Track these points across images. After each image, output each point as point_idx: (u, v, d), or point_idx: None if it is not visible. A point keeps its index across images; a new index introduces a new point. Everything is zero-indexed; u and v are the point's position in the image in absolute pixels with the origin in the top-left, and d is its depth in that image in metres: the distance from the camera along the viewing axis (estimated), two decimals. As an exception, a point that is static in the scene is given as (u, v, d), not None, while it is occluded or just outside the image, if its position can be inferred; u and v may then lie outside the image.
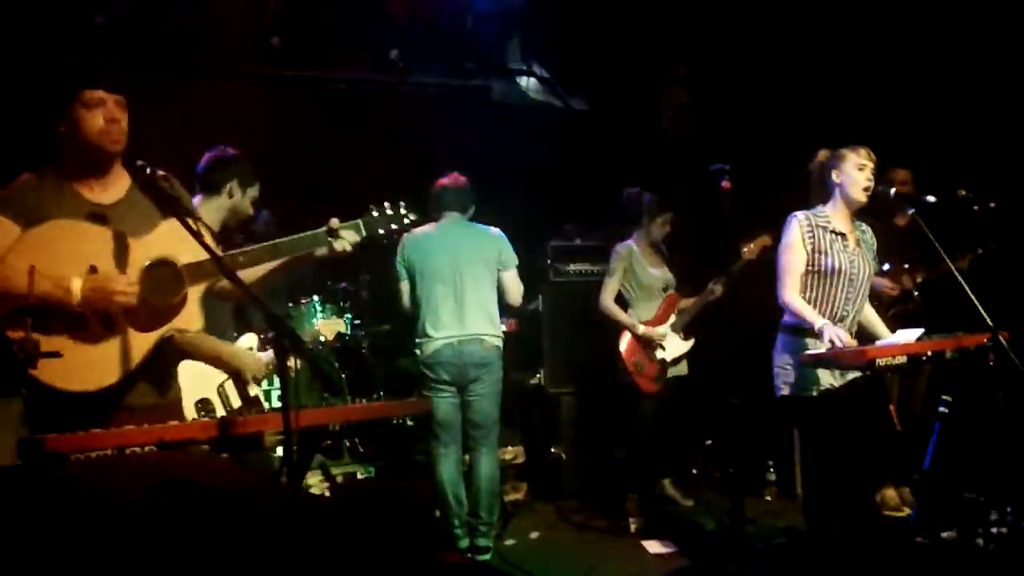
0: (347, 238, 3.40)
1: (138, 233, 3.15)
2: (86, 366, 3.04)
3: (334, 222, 3.39)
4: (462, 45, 8.36)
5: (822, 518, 4.59)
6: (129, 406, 3.15)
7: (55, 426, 2.86)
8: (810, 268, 4.59)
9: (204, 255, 3.06)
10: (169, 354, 3.29)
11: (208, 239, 3.05)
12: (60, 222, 3.09)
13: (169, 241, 3.14)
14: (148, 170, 3.07)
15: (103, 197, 3.22)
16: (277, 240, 3.33)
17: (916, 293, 5.93)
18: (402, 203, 3.62)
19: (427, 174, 5.79)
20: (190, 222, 2.97)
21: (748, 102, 7.68)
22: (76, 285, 2.97)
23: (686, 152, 8.58)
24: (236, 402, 4.14)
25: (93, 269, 3.05)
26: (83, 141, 3.12)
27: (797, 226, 4.62)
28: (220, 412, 3.93)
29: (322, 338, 5.43)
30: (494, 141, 8.29)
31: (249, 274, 3.33)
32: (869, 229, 4.85)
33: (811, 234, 4.58)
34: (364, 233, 3.48)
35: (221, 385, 4.11)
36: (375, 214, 3.54)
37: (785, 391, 4.59)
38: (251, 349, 4.40)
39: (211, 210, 4.23)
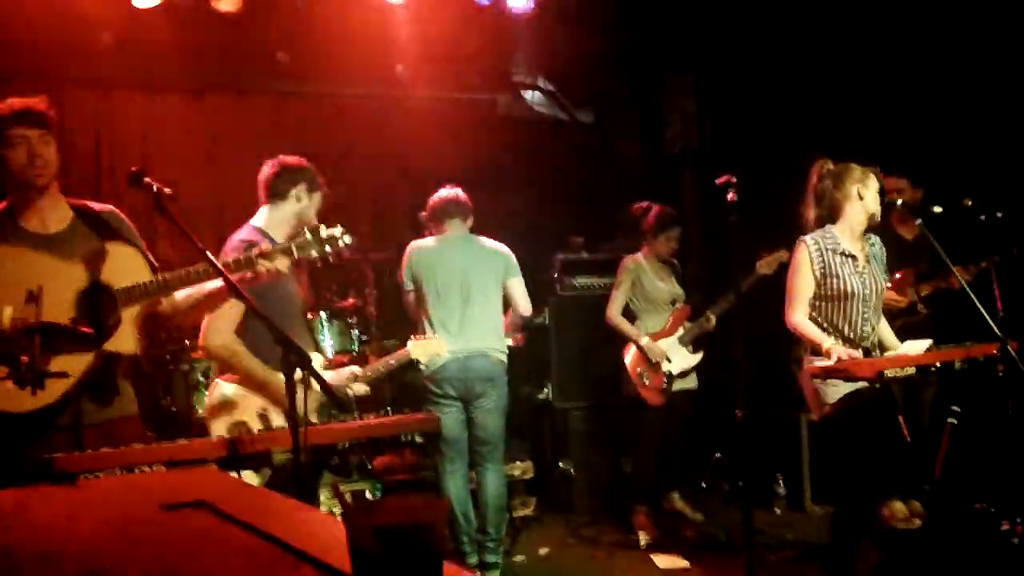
0: (277, 261, 3.45)
1: (77, 259, 3.25)
2: (19, 389, 3.09)
3: (265, 245, 3.49)
4: (467, 59, 8.37)
5: (851, 531, 4.57)
6: (75, 425, 3.23)
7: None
8: (822, 293, 4.58)
9: (140, 279, 3.23)
10: (112, 372, 3.36)
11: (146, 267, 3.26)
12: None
13: (104, 266, 3.25)
14: (154, 186, 3.14)
15: (45, 227, 3.35)
16: (209, 265, 3.33)
17: (920, 304, 5.91)
18: (340, 226, 3.66)
19: (433, 188, 5.79)
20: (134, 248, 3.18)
21: (756, 112, 7.67)
22: (6, 314, 3.06)
23: (694, 163, 8.58)
24: (282, 423, 4.03)
25: (31, 295, 3.12)
26: (12, 177, 3.28)
27: (806, 251, 4.61)
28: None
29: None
30: (500, 155, 8.30)
31: (192, 300, 3.51)
32: (878, 240, 4.83)
33: (820, 259, 4.57)
34: (296, 255, 3.52)
35: (263, 408, 4.02)
36: (308, 237, 3.58)
37: (821, 412, 4.56)
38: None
39: (278, 218, 4.24)
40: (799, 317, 4.57)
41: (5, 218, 3.31)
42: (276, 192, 4.27)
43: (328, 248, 3.58)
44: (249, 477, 3.48)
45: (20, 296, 3.11)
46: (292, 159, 4.36)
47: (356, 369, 4.46)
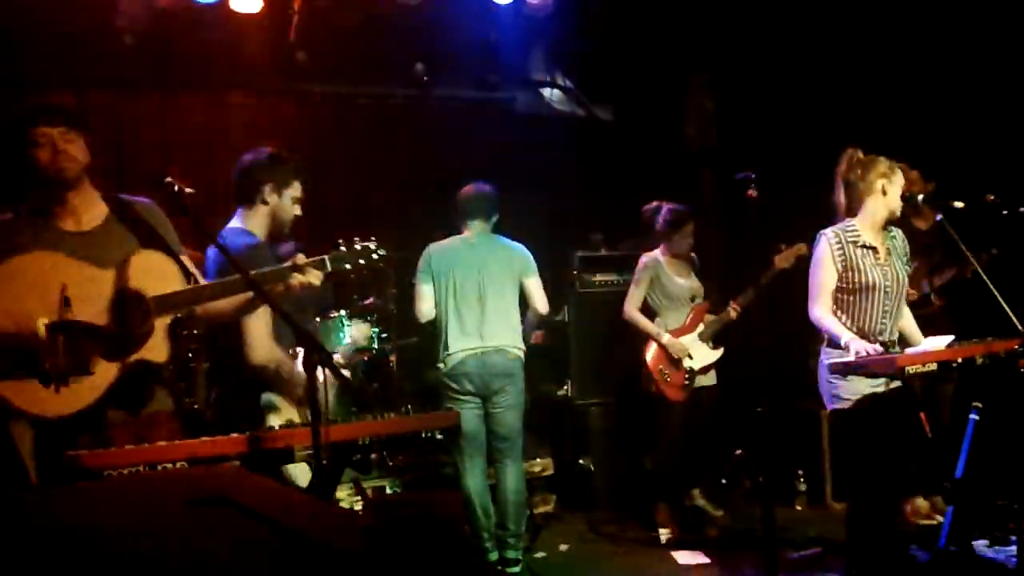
0: (309, 275, 3.42)
1: (110, 263, 3.24)
2: (55, 394, 3.10)
3: (300, 258, 3.42)
4: (485, 57, 8.37)
5: (867, 528, 4.56)
6: (111, 424, 3.25)
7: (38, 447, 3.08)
8: (844, 286, 4.58)
9: (174, 287, 3.19)
10: (144, 382, 3.35)
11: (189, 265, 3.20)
12: (30, 255, 3.19)
13: (139, 273, 3.22)
14: (176, 186, 3.15)
15: (79, 225, 3.33)
16: (237, 276, 3.33)
17: (934, 296, 5.89)
18: (372, 239, 3.62)
19: (453, 187, 5.81)
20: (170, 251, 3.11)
21: (774, 109, 7.66)
22: (41, 326, 3.05)
23: (712, 160, 8.56)
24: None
25: (66, 301, 3.11)
26: (41, 175, 3.26)
27: (827, 244, 4.61)
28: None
29: (357, 345, 5.37)
30: (519, 153, 8.30)
31: (220, 306, 3.45)
32: (900, 233, 4.82)
33: (841, 251, 4.57)
34: (329, 269, 3.49)
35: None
36: (342, 250, 3.55)
37: (839, 404, 4.55)
38: None
39: (255, 220, 4.11)
40: (822, 311, 4.56)
41: (37, 219, 3.29)
42: (242, 197, 4.14)
43: (362, 261, 3.56)
44: (303, 471, 3.52)
45: (54, 302, 3.10)
46: (254, 156, 4.18)
47: (337, 357, 4.46)
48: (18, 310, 3.07)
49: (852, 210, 4.68)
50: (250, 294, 3.39)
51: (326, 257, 3.51)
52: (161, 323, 3.25)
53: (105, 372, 3.17)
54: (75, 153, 3.27)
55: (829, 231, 4.64)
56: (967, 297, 5.68)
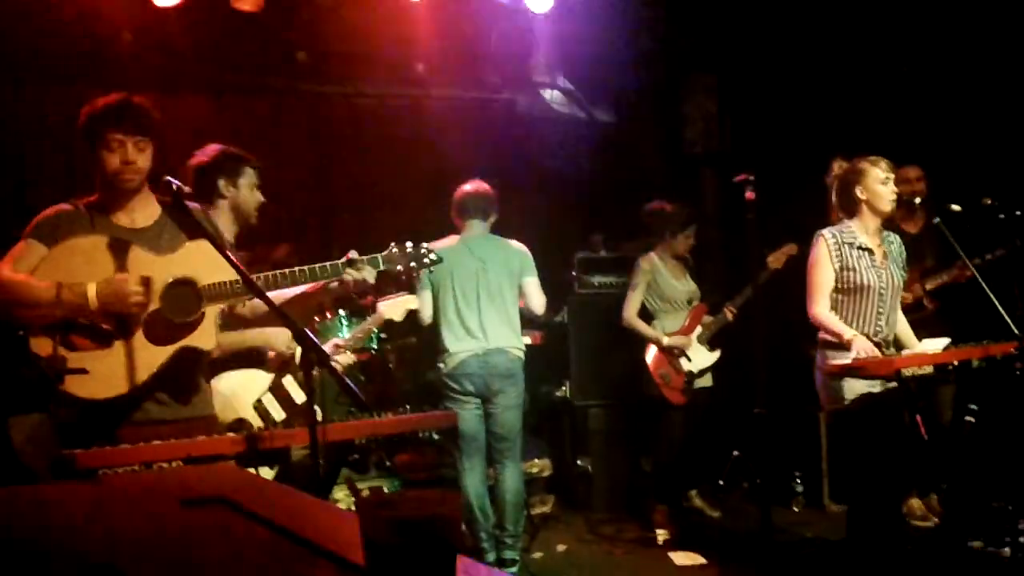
0: (364, 272, 3.44)
1: (163, 253, 3.27)
2: (103, 376, 3.14)
3: (353, 254, 3.45)
4: (487, 58, 8.38)
5: (865, 529, 4.57)
6: (153, 419, 3.26)
7: (80, 435, 3.03)
8: (840, 286, 4.60)
9: (224, 277, 3.19)
10: (191, 369, 3.36)
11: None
12: (86, 239, 3.23)
13: (191, 261, 3.25)
14: (175, 186, 3.15)
15: (133, 223, 3.35)
16: (296, 268, 3.37)
17: (926, 299, 5.89)
18: (424, 244, 3.66)
19: (452, 187, 5.82)
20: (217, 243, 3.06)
21: (776, 112, 7.67)
22: (92, 290, 3.09)
23: (714, 162, 8.57)
24: (280, 415, 4.14)
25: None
26: (104, 176, 3.28)
27: (824, 244, 4.62)
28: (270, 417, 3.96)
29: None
30: (520, 154, 8.31)
31: (261, 307, 3.42)
32: (897, 238, 4.84)
33: (838, 252, 4.59)
34: (382, 267, 3.51)
35: (258, 401, 4.12)
36: (395, 251, 3.57)
37: (835, 406, 4.56)
38: (294, 355, 4.40)
39: (219, 221, 4.05)
40: (821, 309, 4.58)
41: (95, 211, 3.33)
42: (201, 197, 4.05)
43: (413, 264, 3.59)
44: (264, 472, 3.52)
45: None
46: (201, 155, 4.20)
47: (338, 340, 4.50)
48: (74, 284, 3.11)
49: (849, 213, 4.69)
50: (294, 294, 3.44)
51: (379, 256, 3.54)
52: (211, 311, 3.28)
53: (154, 355, 3.20)
54: (143, 164, 3.28)
55: (826, 231, 4.66)
56: (961, 300, 5.69)
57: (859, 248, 4.59)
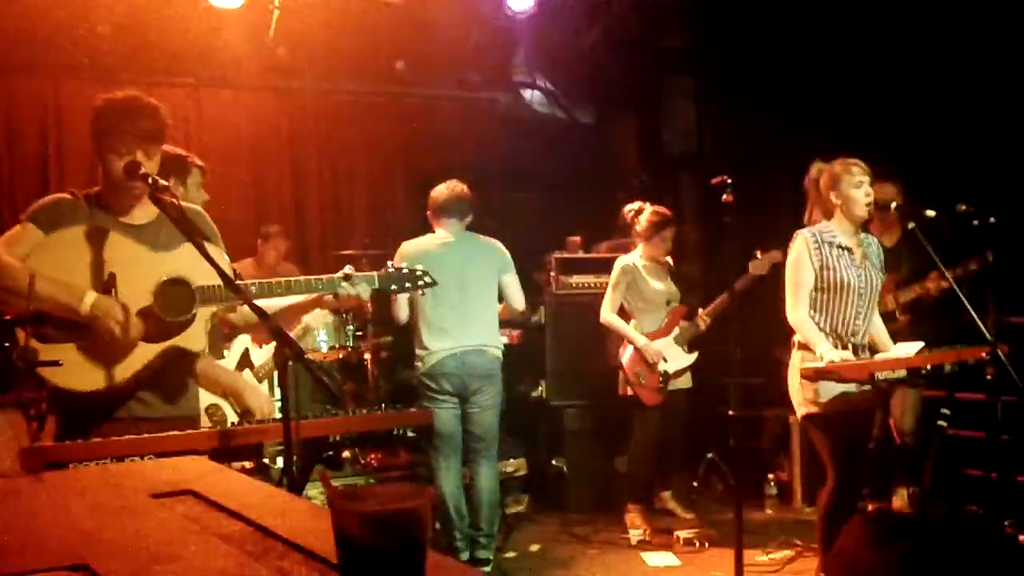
0: (359, 288, 3.44)
1: (161, 249, 3.26)
2: (88, 368, 3.12)
3: (349, 269, 3.45)
4: (467, 58, 8.39)
5: (833, 531, 4.59)
6: (136, 417, 3.24)
7: (61, 428, 3.06)
8: (819, 285, 4.60)
9: (215, 279, 3.15)
10: (178, 368, 3.34)
11: (224, 265, 3.15)
12: (81, 230, 3.20)
13: (188, 262, 3.21)
14: (151, 179, 3.12)
15: (132, 219, 3.34)
16: (291, 278, 3.37)
17: (899, 311, 5.91)
18: (420, 267, 3.72)
19: (432, 186, 5.80)
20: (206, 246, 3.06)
21: (754, 115, 7.70)
22: (89, 299, 3.07)
23: (692, 165, 8.60)
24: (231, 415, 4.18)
25: (111, 277, 3.13)
26: (108, 177, 3.24)
27: (804, 243, 4.62)
28: (231, 416, 3.94)
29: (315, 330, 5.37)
30: (499, 154, 8.32)
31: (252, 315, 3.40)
32: (875, 240, 4.86)
33: (818, 251, 4.59)
34: (377, 286, 3.53)
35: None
36: (391, 271, 3.61)
37: (808, 409, 4.57)
38: (247, 349, 4.41)
39: None
40: (801, 314, 4.57)
41: (94, 204, 3.30)
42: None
43: (408, 285, 3.63)
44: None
45: (99, 275, 3.13)
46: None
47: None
48: (66, 279, 3.09)
49: (827, 216, 4.70)
50: (289, 303, 3.41)
51: (376, 274, 3.56)
52: (203, 313, 3.26)
53: (142, 353, 3.18)
54: (149, 170, 3.20)
55: (806, 231, 4.66)
56: (933, 313, 5.73)
57: (839, 247, 4.59)
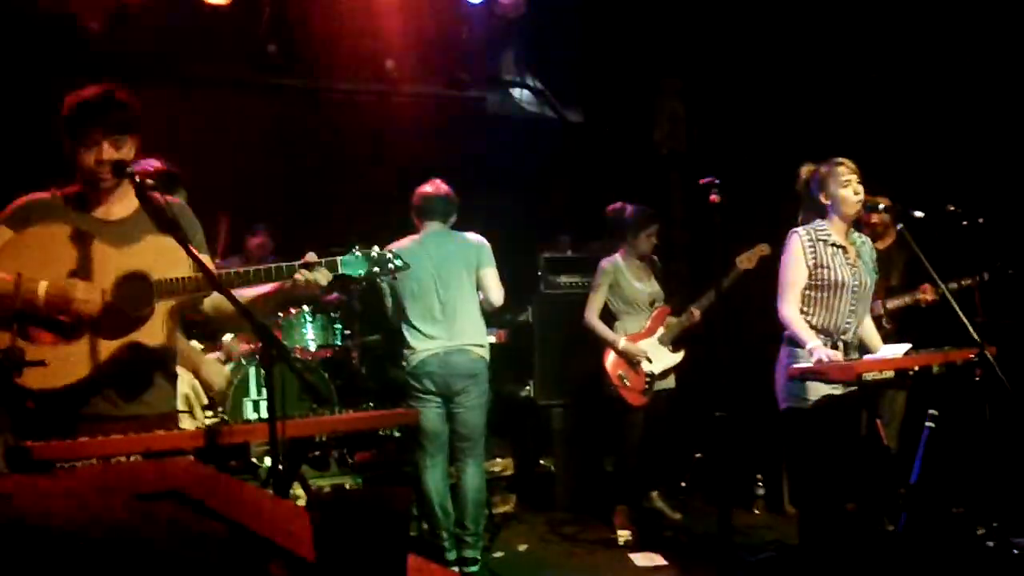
0: (317, 274, 3.35)
1: (124, 244, 3.23)
2: (50, 367, 3.09)
3: (311, 256, 3.37)
4: (457, 56, 8.38)
5: (815, 531, 4.61)
6: (102, 415, 3.19)
7: (31, 428, 3.02)
8: (813, 282, 4.62)
9: (180, 273, 3.16)
10: (141, 365, 3.29)
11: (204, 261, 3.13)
12: (49, 229, 3.19)
13: (148, 256, 3.21)
14: (138, 177, 3.11)
15: (109, 214, 3.32)
16: (250, 267, 3.33)
17: (886, 319, 5.92)
18: (390, 250, 3.60)
19: (420, 184, 5.78)
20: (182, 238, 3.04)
21: (743, 114, 7.71)
22: (42, 288, 3.05)
23: (681, 164, 8.61)
24: (204, 400, 4.17)
25: (72, 274, 3.12)
26: (81, 170, 3.23)
27: (798, 241, 4.64)
28: (197, 409, 3.94)
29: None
30: (488, 153, 8.32)
31: (226, 307, 3.38)
32: (868, 240, 4.88)
33: (812, 248, 4.61)
34: (340, 271, 3.43)
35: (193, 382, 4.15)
36: (358, 254, 3.51)
37: (789, 403, 4.59)
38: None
39: None
40: (791, 310, 4.59)
41: (72, 202, 3.30)
42: None
43: (376, 269, 3.51)
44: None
45: (62, 274, 3.12)
46: (141, 169, 4.06)
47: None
48: (28, 280, 3.08)
49: (820, 214, 4.72)
50: (256, 294, 3.38)
51: (338, 259, 3.46)
52: (162, 307, 3.23)
53: (100, 349, 3.15)
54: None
55: (801, 228, 4.68)
56: (920, 320, 5.75)
57: (833, 245, 4.62)
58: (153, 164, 4.16)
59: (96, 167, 3.18)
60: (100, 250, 3.18)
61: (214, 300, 3.46)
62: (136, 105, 3.27)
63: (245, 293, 3.38)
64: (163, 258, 3.17)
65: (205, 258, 3.27)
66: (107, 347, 3.16)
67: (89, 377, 3.13)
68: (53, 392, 3.09)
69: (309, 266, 3.34)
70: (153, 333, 3.23)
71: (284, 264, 3.36)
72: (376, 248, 3.56)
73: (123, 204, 3.35)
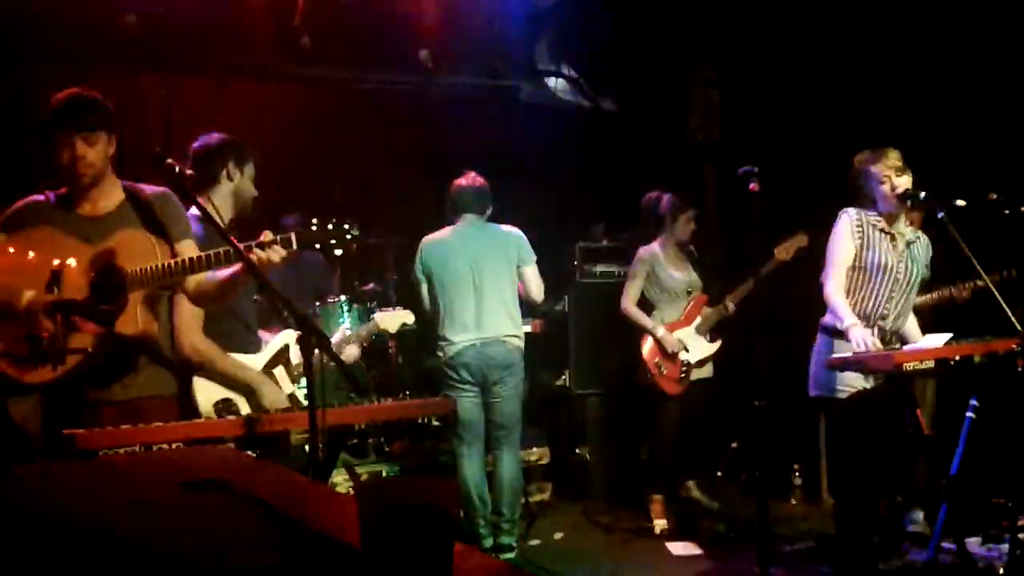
0: (271, 252, 3.29)
1: (98, 243, 3.34)
2: (44, 364, 3.22)
3: (267, 235, 3.34)
4: (491, 45, 8.36)
5: (851, 522, 4.58)
6: (97, 401, 3.35)
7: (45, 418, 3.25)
8: (857, 263, 4.62)
9: (150, 262, 3.28)
10: (123, 353, 3.40)
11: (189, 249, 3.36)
12: (28, 232, 3.37)
13: (123, 248, 3.32)
14: (177, 168, 3.19)
15: (95, 211, 3.46)
16: (211, 252, 3.31)
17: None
18: (348, 221, 3.50)
19: (455, 175, 5.80)
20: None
21: (778, 103, 7.65)
22: (25, 296, 3.20)
23: (716, 153, 8.56)
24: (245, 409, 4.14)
25: (54, 277, 3.25)
26: (61, 171, 3.40)
27: (848, 220, 4.66)
28: (244, 409, 3.93)
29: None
30: (523, 142, 8.29)
31: (206, 286, 3.51)
32: (927, 239, 4.86)
33: (860, 229, 4.63)
34: (294, 247, 3.35)
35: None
36: (313, 228, 3.43)
37: (820, 392, 4.58)
38: (287, 346, 4.33)
39: (218, 202, 4.16)
40: (835, 287, 4.59)
41: (61, 201, 3.46)
42: (205, 178, 4.13)
43: (333, 241, 3.43)
44: None
45: (44, 277, 3.25)
46: (211, 138, 4.26)
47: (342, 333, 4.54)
48: (8, 282, 3.23)
49: (869, 204, 4.70)
50: (230, 275, 3.41)
51: (292, 235, 3.41)
52: (136, 297, 3.31)
53: (79, 341, 3.26)
54: (93, 159, 3.37)
55: (851, 209, 4.69)
56: (952, 313, 5.69)
57: (881, 231, 4.61)
58: (223, 135, 4.29)
59: (71, 164, 3.34)
60: (79, 247, 3.32)
61: (196, 281, 3.52)
62: (106, 104, 3.42)
63: (218, 275, 3.43)
64: (134, 250, 3.31)
65: (188, 243, 3.47)
66: (83, 340, 3.26)
67: (72, 370, 3.24)
68: (46, 387, 3.25)
69: (262, 245, 3.30)
70: (129, 323, 3.31)
71: (243, 245, 3.29)
72: (334, 220, 3.46)
73: (109, 199, 3.49)
